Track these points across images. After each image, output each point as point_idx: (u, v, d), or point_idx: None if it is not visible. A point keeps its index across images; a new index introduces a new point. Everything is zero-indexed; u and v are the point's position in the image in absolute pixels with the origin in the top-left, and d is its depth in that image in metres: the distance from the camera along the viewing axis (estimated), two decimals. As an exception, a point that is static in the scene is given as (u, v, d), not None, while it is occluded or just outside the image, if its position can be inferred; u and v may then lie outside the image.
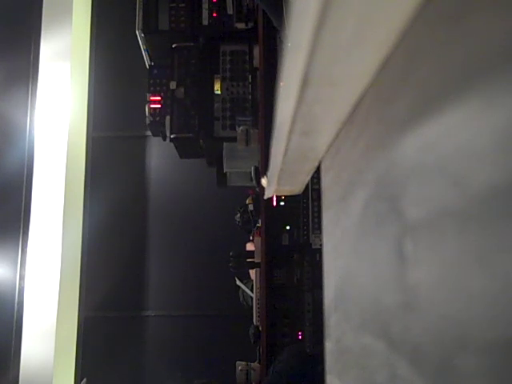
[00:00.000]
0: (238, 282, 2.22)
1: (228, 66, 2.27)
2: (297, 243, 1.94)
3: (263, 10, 1.96)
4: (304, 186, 0.72)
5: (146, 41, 2.29)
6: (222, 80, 2.26)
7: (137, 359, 2.92)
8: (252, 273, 2.10)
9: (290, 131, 0.45)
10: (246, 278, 2.23)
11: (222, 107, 2.26)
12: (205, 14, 2.27)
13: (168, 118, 2.24)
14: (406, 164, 0.31)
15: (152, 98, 2.30)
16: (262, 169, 1.97)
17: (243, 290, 2.27)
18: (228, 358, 2.12)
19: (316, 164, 0.61)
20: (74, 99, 2.92)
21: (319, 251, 1.91)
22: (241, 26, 2.23)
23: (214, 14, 2.27)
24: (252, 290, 2.08)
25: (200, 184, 2.91)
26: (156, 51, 2.35)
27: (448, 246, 0.25)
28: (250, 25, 2.21)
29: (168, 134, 2.26)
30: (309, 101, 0.38)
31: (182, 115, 2.22)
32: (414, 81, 0.31)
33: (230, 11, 2.25)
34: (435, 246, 0.27)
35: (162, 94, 2.30)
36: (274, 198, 1.96)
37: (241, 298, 2.31)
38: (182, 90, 2.22)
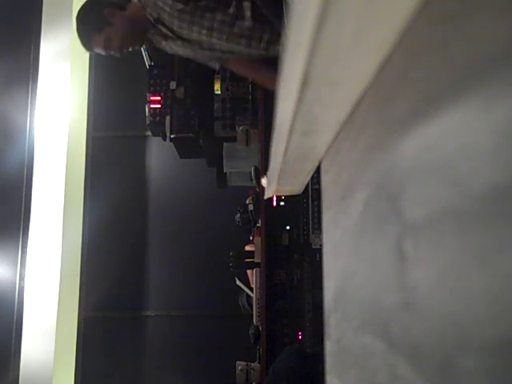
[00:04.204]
0: (237, 282, 2.22)
1: (228, 66, 2.27)
2: (297, 243, 1.94)
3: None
4: (304, 186, 0.73)
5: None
6: (222, 80, 2.26)
7: (137, 359, 2.92)
8: (250, 273, 2.10)
9: (290, 131, 0.45)
10: (245, 280, 2.23)
11: (222, 107, 2.25)
12: (205, 13, 2.27)
13: (168, 118, 2.24)
14: (406, 164, 0.31)
15: (152, 98, 2.30)
16: (262, 169, 1.97)
17: (242, 300, 2.28)
18: (228, 358, 2.12)
19: (316, 164, 0.61)
20: (73, 99, 2.92)
21: (319, 251, 1.91)
22: (241, 25, 2.22)
23: (214, 14, 2.26)
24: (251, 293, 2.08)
25: (200, 184, 2.91)
26: (156, 51, 2.35)
27: (448, 245, 0.25)
28: (250, 25, 2.21)
29: (168, 133, 2.26)
30: (309, 101, 0.38)
31: (181, 115, 2.22)
32: (413, 81, 0.31)
33: (230, 11, 2.25)
34: (435, 246, 0.27)
35: (162, 93, 2.29)
36: (274, 198, 1.95)
37: (240, 303, 2.31)
38: (182, 89, 2.22)
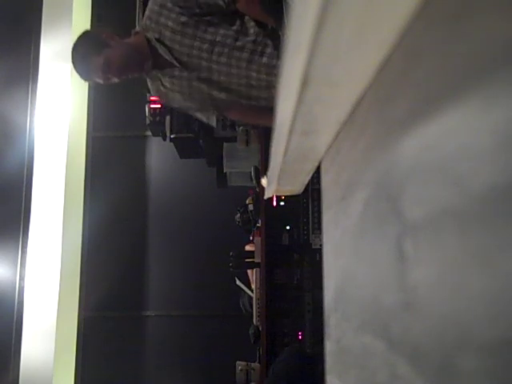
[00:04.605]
0: (238, 282, 2.22)
1: (228, 66, 2.26)
2: (297, 243, 1.94)
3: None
4: (304, 186, 0.73)
5: (146, 41, 2.28)
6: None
7: (137, 359, 2.92)
8: (250, 273, 2.10)
9: (290, 131, 0.45)
10: (245, 280, 2.23)
11: (222, 107, 2.25)
12: (205, 14, 2.26)
13: (168, 118, 2.24)
14: (406, 164, 0.31)
15: (152, 98, 2.29)
16: (262, 169, 1.97)
17: (243, 301, 2.28)
18: (228, 358, 2.12)
19: (316, 164, 0.61)
20: (73, 99, 2.92)
21: (319, 251, 1.91)
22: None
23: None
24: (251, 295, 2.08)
25: (200, 184, 2.92)
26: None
27: (448, 245, 0.25)
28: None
29: (168, 133, 2.26)
30: (309, 101, 0.38)
31: (182, 115, 2.22)
32: (413, 81, 0.31)
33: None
34: (435, 246, 0.27)
35: (162, 93, 2.29)
36: (274, 198, 1.96)
37: (241, 304, 2.31)
38: (182, 90, 2.22)
